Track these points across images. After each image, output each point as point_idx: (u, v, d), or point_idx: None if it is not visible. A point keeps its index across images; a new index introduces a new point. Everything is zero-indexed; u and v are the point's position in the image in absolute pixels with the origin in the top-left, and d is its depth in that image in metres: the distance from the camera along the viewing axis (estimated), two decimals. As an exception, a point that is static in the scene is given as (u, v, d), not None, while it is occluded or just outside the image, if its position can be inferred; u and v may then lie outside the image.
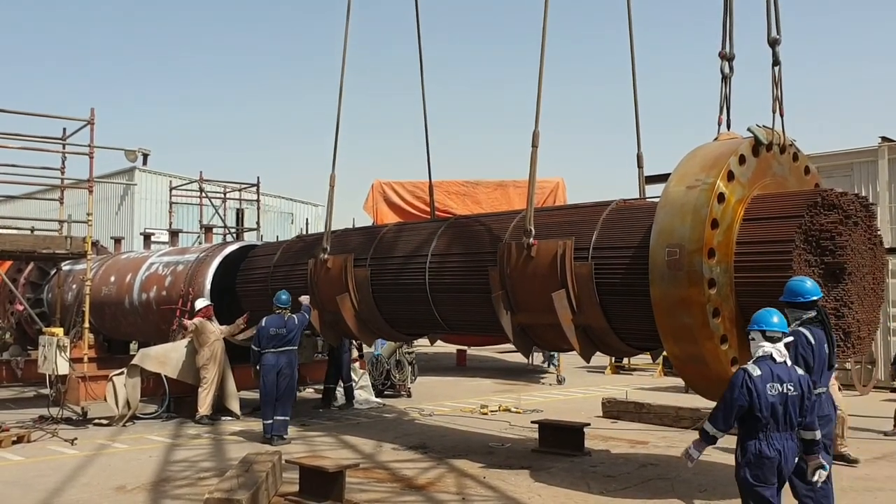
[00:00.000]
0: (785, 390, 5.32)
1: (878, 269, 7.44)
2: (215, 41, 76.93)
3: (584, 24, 74.83)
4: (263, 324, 11.12)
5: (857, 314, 7.13)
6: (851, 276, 7.09)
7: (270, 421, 10.78)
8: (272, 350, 10.95)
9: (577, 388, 17.51)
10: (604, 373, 20.59)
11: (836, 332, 6.85)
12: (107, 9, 71.47)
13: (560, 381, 18.42)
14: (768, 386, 5.29)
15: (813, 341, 6.13)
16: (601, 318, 8.16)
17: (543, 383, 18.58)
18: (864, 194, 17.25)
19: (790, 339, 5.79)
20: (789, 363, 5.51)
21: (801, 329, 6.18)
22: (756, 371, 5.34)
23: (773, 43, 7.66)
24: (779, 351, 5.47)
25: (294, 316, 11.22)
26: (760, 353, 5.48)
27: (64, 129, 15.20)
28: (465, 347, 23.42)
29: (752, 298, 6.93)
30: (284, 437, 10.80)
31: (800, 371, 5.54)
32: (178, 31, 74.19)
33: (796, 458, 5.43)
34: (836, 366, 6.53)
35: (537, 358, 21.34)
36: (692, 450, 5.58)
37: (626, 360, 20.76)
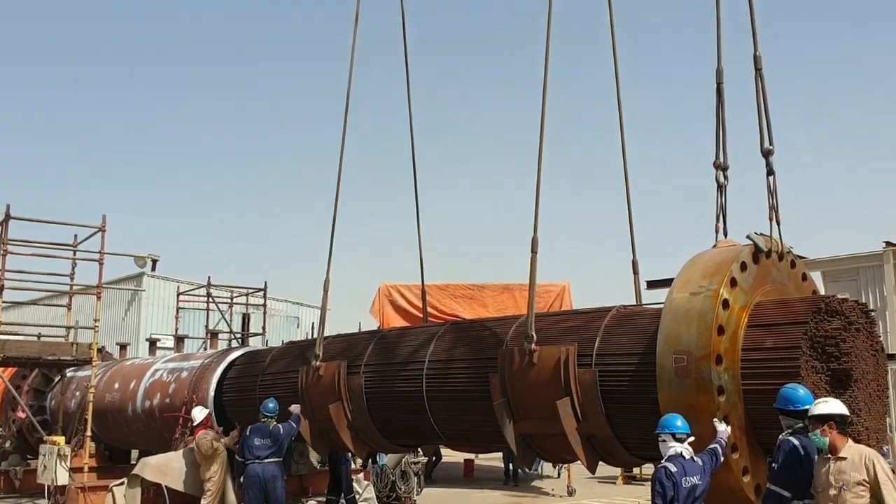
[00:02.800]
0: (696, 482, 6.41)
1: (881, 376, 7.39)
2: (225, 147, 78.97)
3: (583, 127, 76.70)
4: (248, 433, 10.92)
5: (865, 422, 7.01)
6: (858, 383, 7.01)
7: None
8: (257, 461, 10.71)
9: (587, 500, 17.02)
10: (615, 483, 20.06)
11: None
12: (120, 113, 73.80)
13: (570, 493, 17.94)
14: (683, 480, 6.35)
15: (803, 452, 6.03)
16: (606, 427, 8.02)
17: (553, 495, 18.09)
18: (871, 299, 17.40)
19: (713, 445, 6.57)
20: (695, 459, 6.47)
21: (790, 438, 6.12)
22: (673, 468, 6.39)
23: (767, 153, 7.84)
24: (686, 449, 6.51)
25: (280, 425, 10.93)
26: (671, 453, 6.50)
27: (75, 236, 15.50)
28: (473, 456, 22.94)
29: (761, 406, 6.84)
30: None
31: (699, 461, 6.48)
32: (189, 138, 76.31)
33: None
34: None
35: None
36: None
37: (636, 470, 20.27)
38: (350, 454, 13.59)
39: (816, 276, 8.66)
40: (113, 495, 11.96)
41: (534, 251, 8.78)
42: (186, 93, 74.54)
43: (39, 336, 17.61)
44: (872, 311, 7.91)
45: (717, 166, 8.03)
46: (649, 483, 20.63)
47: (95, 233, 14.72)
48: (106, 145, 74.01)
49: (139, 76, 72.48)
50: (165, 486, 12.33)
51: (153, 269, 29.39)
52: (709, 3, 8.28)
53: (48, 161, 72.72)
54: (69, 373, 16.54)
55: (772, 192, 7.82)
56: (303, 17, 78.28)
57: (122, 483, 12.10)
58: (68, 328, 15.60)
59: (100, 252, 14.55)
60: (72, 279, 15.63)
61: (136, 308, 30.99)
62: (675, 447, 6.52)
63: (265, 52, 76.69)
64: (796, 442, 6.08)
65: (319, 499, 14.79)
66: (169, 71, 73.08)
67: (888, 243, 17.88)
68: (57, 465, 12.28)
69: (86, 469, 13.09)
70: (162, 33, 72.53)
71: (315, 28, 77.69)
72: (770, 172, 7.83)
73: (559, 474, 20.59)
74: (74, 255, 15.28)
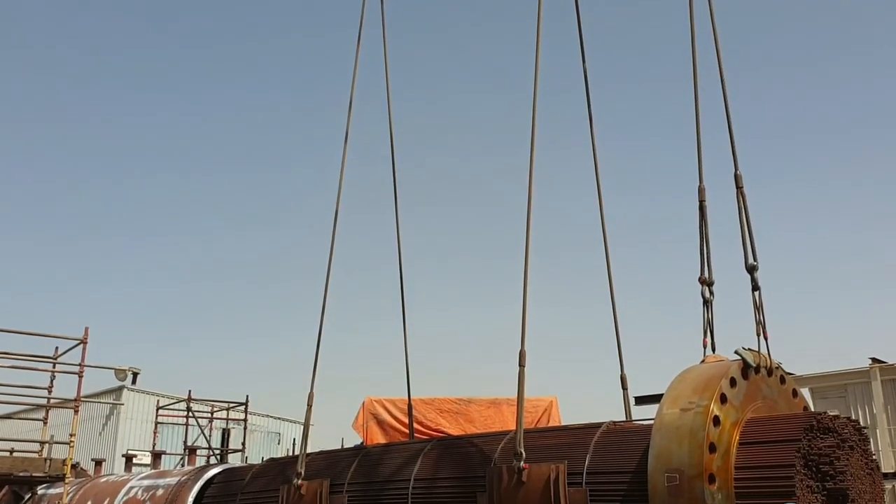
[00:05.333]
0: None
1: (878, 495, 7.21)
2: (209, 259, 79.21)
3: (568, 245, 77.75)
4: None
5: (866, 544, 6.82)
6: (855, 503, 6.85)
7: None
8: None
9: None
10: None
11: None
12: (103, 221, 74.29)
13: None
14: None
15: None
16: (599, 550, 7.75)
17: None
18: (861, 415, 17.27)
19: None
20: None
21: None
22: None
23: (752, 269, 7.93)
24: None
25: None
26: None
27: (56, 348, 15.29)
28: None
29: (757, 527, 6.65)
30: None
31: None
32: (171, 249, 76.59)
33: None
34: None
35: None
36: None
37: None
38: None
39: (805, 393, 8.61)
40: None
41: (521, 364, 8.69)
42: (168, 203, 75.44)
43: (12, 451, 17.07)
44: (865, 427, 7.82)
45: (702, 282, 8.10)
46: None
47: (77, 345, 14.54)
48: (87, 255, 74.16)
49: (122, 189, 73.47)
50: None
51: (133, 382, 28.86)
52: (689, 123, 8.57)
53: (28, 270, 72.60)
54: (40, 490, 15.94)
55: (758, 308, 7.87)
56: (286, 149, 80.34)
57: None
58: (43, 443, 15.15)
59: (80, 364, 14.32)
60: (49, 392, 15.31)
61: (113, 422, 30.27)
62: None
63: (248, 149, 78.16)
64: None
65: None
66: (152, 183, 74.19)
67: (874, 360, 17.90)
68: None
69: None
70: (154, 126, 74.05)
71: (302, 154, 79.61)
72: (755, 287, 7.90)
73: None
74: (54, 367, 15.02)
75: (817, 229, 71.33)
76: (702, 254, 8.14)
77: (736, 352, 7.50)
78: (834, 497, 6.73)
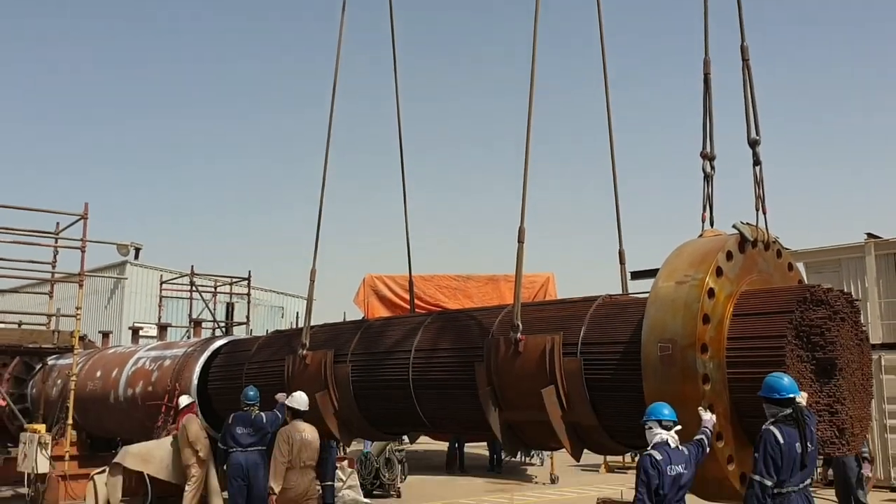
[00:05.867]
0: (681, 470, 6.43)
1: (865, 365, 7.42)
2: (210, 138, 78.45)
3: (569, 118, 76.84)
4: (230, 421, 10.86)
5: (850, 410, 7.06)
6: (843, 373, 7.05)
7: None
8: (240, 450, 10.67)
9: (570, 488, 17.10)
10: (598, 471, 20.17)
11: (830, 428, 6.78)
12: (103, 104, 73.15)
13: (553, 481, 18.02)
14: (668, 468, 6.37)
15: (781, 440, 6.08)
16: (591, 416, 8.03)
17: (536, 482, 18.16)
18: (853, 289, 17.54)
19: (699, 435, 6.54)
20: (681, 448, 6.49)
21: (771, 428, 6.16)
22: (658, 456, 6.41)
23: (753, 143, 7.85)
24: (672, 437, 6.53)
25: (263, 414, 10.84)
26: (657, 440, 6.53)
27: (57, 224, 15.35)
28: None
29: (746, 394, 6.86)
30: None
31: (685, 450, 6.48)
32: (171, 125, 75.73)
33: None
34: (817, 467, 6.43)
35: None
36: None
37: (621, 458, 20.39)
38: (335, 442, 13.58)
39: (799, 268, 8.69)
40: (94, 484, 11.87)
41: (520, 241, 8.75)
42: (170, 81, 73.99)
43: (20, 324, 17.45)
44: (858, 300, 7.95)
45: (704, 156, 8.03)
46: (632, 471, 20.88)
47: (77, 220, 14.58)
48: (88, 132, 73.38)
49: (123, 64, 71.83)
50: (147, 475, 12.26)
51: (136, 257, 29.09)
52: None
53: (29, 148, 72.03)
54: (51, 361, 16.41)
55: (758, 182, 7.83)
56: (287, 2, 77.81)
57: (103, 471, 12.01)
58: (50, 316, 15.46)
59: (82, 240, 14.40)
60: (53, 267, 15.49)
61: (118, 296, 30.79)
62: (661, 434, 6.54)
63: (250, 38, 76.21)
64: (776, 431, 6.12)
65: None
66: (154, 57, 72.46)
67: (870, 235, 18.02)
68: (38, 453, 12.17)
69: (67, 457, 12.98)
70: (147, 20, 71.91)
71: (305, 15, 77.26)
72: (756, 162, 7.84)
73: (542, 462, 20.68)
74: (56, 242, 15.13)
75: (819, 104, 70.36)
76: (704, 128, 8.04)
77: (734, 226, 7.53)
78: (823, 366, 6.92)
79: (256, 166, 78.12)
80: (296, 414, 10.19)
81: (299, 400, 10.20)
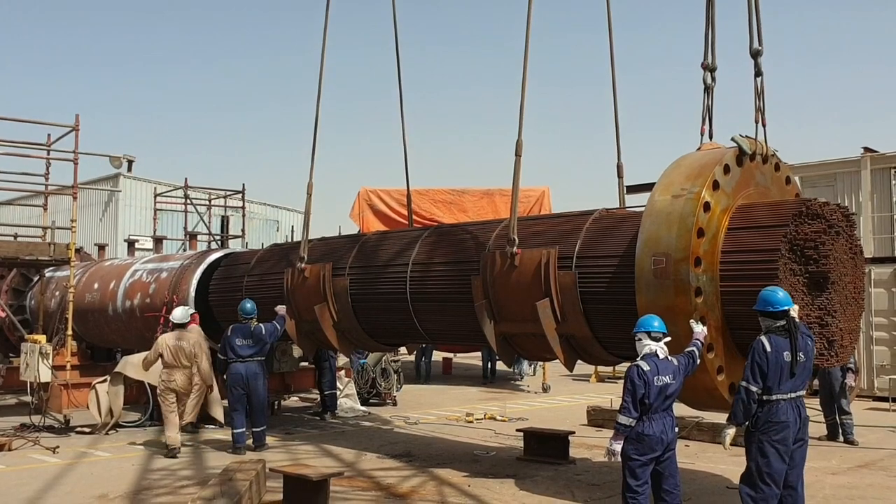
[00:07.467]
0: (668, 381, 6.59)
1: (858, 278, 7.49)
2: (201, 48, 76.83)
3: (569, 29, 75.23)
4: (229, 333, 11.03)
5: (840, 323, 7.17)
6: (834, 286, 7.13)
7: (240, 430, 10.70)
8: (239, 360, 10.88)
9: (561, 397, 17.51)
10: (588, 381, 20.64)
11: (820, 340, 6.90)
12: (93, 14, 71.21)
13: (545, 390, 18.44)
14: (655, 378, 6.52)
15: (769, 349, 6.21)
16: (585, 328, 8.16)
17: (528, 391, 18.58)
18: (847, 204, 17.56)
19: (690, 347, 6.78)
20: (670, 358, 6.66)
21: (761, 338, 6.28)
22: (646, 366, 6.56)
23: (756, 54, 7.73)
24: (661, 348, 6.68)
25: (262, 325, 11.02)
26: (646, 351, 6.68)
27: (49, 135, 15.15)
28: (451, 355, 23.44)
29: (739, 307, 6.97)
30: (265, 445, 10.75)
31: (674, 361, 6.66)
32: (164, 37, 74.05)
33: (676, 428, 6.73)
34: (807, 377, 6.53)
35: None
36: (613, 445, 6.58)
37: (611, 369, 20.83)
38: (333, 352, 13.82)
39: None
40: (96, 392, 12.10)
41: (518, 154, 8.69)
42: (157, -13, 71.81)
43: (16, 236, 17.44)
44: (854, 214, 7.97)
45: (705, 67, 7.93)
46: (621, 381, 21.39)
47: (69, 132, 14.36)
48: (80, 43, 71.65)
49: (107, -32, 69.51)
50: (148, 384, 12.49)
51: (129, 169, 28.91)
52: None
53: (20, 58, 70.45)
54: (48, 273, 16.47)
55: (759, 94, 7.76)
56: None
57: (104, 380, 12.23)
58: (45, 228, 15.42)
59: (74, 152, 14.24)
60: (46, 179, 15.37)
61: (112, 209, 30.65)
62: (650, 345, 6.67)
63: (238, -55, 73.61)
64: (766, 340, 6.24)
65: (301, 395, 15.13)
66: (138, -37, 70.11)
67: (866, 149, 17.95)
68: (39, 363, 12.34)
69: (68, 367, 13.19)
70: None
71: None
72: (758, 73, 7.74)
73: (535, 372, 21.10)
74: (48, 154, 14.96)
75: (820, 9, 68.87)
76: (706, 39, 7.91)
77: (732, 139, 7.49)
78: (815, 279, 7.00)
79: (251, 77, 76.74)
80: (175, 325, 11.30)
81: (175, 314, 11.46)
